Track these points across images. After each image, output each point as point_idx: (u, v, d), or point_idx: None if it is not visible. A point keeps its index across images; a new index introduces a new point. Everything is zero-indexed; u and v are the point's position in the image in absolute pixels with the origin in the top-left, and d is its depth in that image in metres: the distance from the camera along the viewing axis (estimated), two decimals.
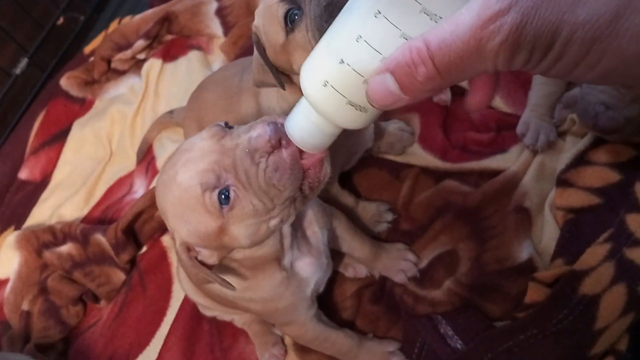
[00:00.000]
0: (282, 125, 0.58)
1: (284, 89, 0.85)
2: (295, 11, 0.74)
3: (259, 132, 0.60)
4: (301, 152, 0.60)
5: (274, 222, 0.66)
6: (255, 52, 0.83)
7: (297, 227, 0.82)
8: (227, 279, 0.69)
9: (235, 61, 1.20)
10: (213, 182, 0.61)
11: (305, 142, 0.51)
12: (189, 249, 0.67)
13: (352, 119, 0.45)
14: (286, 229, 0.77)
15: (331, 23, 0.69)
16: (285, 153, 0.60)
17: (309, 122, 0.49)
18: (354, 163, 1.09)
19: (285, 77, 0.85)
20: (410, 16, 0.38)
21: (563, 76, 0.36)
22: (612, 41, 0.32)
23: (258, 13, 0.82)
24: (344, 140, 0.89)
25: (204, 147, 0.63)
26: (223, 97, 1.05)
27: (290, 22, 0.75)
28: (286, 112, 0.89)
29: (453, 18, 0.35)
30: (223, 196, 0.61)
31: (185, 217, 0.64)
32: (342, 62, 0.41)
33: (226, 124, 0.66)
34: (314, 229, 0.85)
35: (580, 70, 0.34)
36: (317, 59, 0.44)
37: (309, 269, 0.83)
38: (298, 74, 0.80)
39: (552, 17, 0.32)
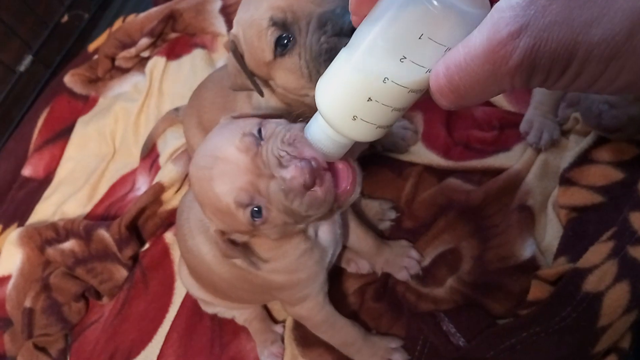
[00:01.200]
0: (314, 160, 0.60)
1: (262, 96, 0.86)
2: (287, 37, 0.76)
3: (293, 174, 0.61)
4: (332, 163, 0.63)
5: (301, 226, 0.73)
6: (232, 59, 0.84)
7: None
8: (254, 253, 0.79)
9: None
10: (247, 201, 0.65)
11: (326, 153, 0.54)
12: (223, 233, 0.72)
13: (376, 135, 0.48)
14: None
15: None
16: (320, 192, 0.62)
17: (328, 137, 0.52)
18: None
19: (263, 82, 0.87)
20: (436, 55, 0.40)
21: (582, 91, 0.36)
22: (629, 57, 0.32)
23: (238, 22, 0.83)
24: None
25: (239, 163, 0.64)
26: (220, 96, 1.06)
27: (280, 46, 0.77)
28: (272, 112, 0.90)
29: (466, 41, 0.36)
30: (256, 209, 0.65)
31: (221, 217, 0.69)
32: (370, 99, 0.44)
33: (259, 131, 0.67)
34: None
35: (599, 85, 0.34)
36: (341, 96, 0.46)
37: (328, 236, 0.85)
38: (277, 87, 0.84)
39: (566, 39, 0.32)
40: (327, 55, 0.73)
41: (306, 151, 0.61)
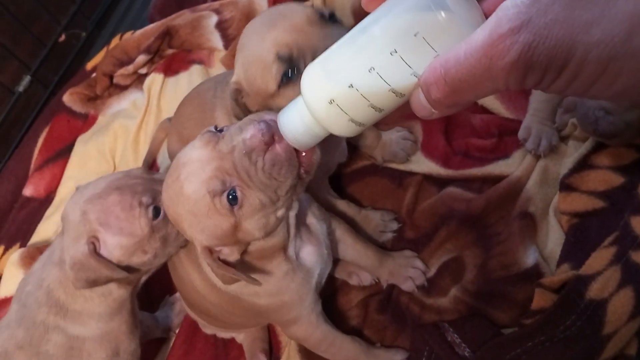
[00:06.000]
0: (272, 121, 0.63)
1: None
2: (292, 70, 0.80)
3: (252, 133, 0.64)
4: None
5: (280, 212, 0.71)
6: (232, 101, 0.88)
7: (298, 217, 0.84)
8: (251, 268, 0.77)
9: (210, 77, 1.24)
10: (219, 187, 0.65)
11: (297, 140, 0.55)
12: (210, 251, 0.71)
13: (349, 131, 0.49)
14: (292, 219, 0.79)
15: None
16: (279, 148, 0.64)
17: (303, 124, 0.52)
18: (334, 168, 1.11)
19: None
20: (424, 59, 0.40)
21: (580, 95, 0.36)
22: (628, 59, 0.32)
23: (237, 65, 0.87)
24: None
25: (201, 157, 0.66)
26: (197, 111, 1.08)
27: (285, 76, 0.80)
28: None
29: (469, 37, 0.36)
30: (231, 197, 0.66)
31: (201, 225, 0.68)
32: (351, 86, 0.44)
33: (216, 127, 0.69)
34: (312, 220, 0.87)
35: (597, 88, 0.34)
36: (324, 78, 0.46)
37: (312, 257, 0.85)
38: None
39: (565, 38, 0.32)
40: None
41: (264, 115, 0.65)
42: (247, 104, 0.88)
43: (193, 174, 0.66)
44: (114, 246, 0.81)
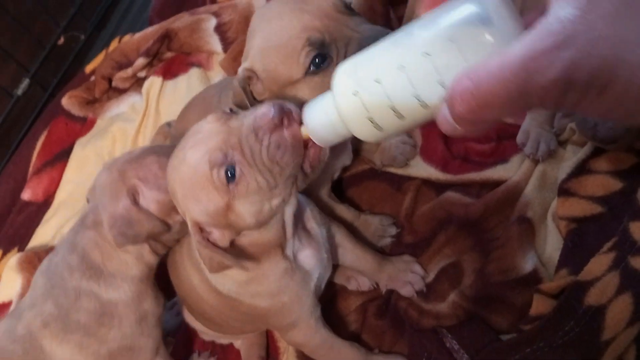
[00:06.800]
0: (287, 107, 0.63)
1: None
2: (322, 57, 0.78)
3: (264, 111, 0.64)
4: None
5: (276, 202, 0.70)
6: (240, 90, 0.86)
7: (298, 220, 0.83)
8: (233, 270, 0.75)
9: (215, 82, 1.23)
10: (220, 159, 0.65)
11: (316, 133, 0.54)
12: (201, 229, 0.71)
13: (365, 132, 0.48)
14: (288, 217, 0.78)
15: None
16: (286, 132, 0.64)
17: (326, 118, 0.52)
18: (339, 171, 1.10)
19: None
20: (455, 68, 0.40)
21: (622, 120, 0.35)
22: None
23: (253, 52, 0.84)
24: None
25: (211, 129, 0.68)
26: (203, 116, 1.07)
27: (313, 65, 0.78)
28: None
29: (504, 50, 0.34)
30: (229, 173, 0.65)
31: (195, 195, 0.68)
32: (378, 81, 0.44)
33: (231, 109, 0.70)
34: (312, 225, 0.87)
35: (637, 110, 0.33)
36: (353, 67, 0.47)
37: (311, 261, 0.84)
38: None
39: (610, 56, 0.31)
40: None
41: (284, 102, 0.65)
42: (256, 91, 0.86)
43: (199, 142, 0.68)
44: (152, 199, 0.83)
